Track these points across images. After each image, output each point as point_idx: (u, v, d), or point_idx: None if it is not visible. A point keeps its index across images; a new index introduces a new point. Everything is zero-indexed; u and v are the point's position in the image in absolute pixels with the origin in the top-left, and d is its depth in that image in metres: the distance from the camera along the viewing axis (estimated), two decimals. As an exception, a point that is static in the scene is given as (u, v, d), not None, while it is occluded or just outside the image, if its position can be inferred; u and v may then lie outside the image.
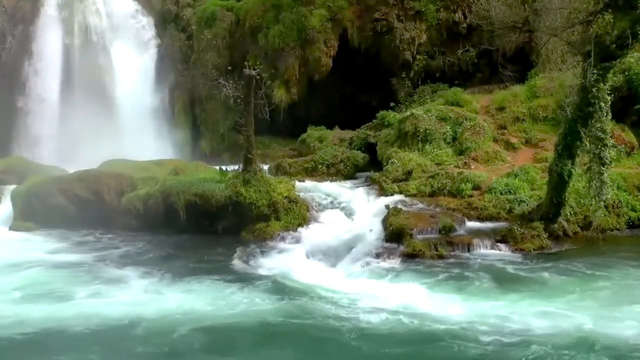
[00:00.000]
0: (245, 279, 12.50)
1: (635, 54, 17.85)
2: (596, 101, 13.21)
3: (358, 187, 18.98)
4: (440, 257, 13.63)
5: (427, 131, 20.12)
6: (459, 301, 10.87)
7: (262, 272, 13.12)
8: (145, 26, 30.75)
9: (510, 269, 12.81)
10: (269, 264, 13.65)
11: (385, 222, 15.19)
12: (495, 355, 8.67)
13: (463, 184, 17.25)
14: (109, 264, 13.91)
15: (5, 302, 11.28)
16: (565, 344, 8.85)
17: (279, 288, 11.86)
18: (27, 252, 15.27)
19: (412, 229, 14.54)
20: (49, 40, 29.28)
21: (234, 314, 10.51)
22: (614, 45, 13.07)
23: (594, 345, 8.78)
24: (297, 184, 18.47)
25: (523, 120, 20.81)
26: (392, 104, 24.40)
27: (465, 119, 20.48)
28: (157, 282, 12.44)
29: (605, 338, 8.97)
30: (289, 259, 13.81)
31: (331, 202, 17.66)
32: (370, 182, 18.98)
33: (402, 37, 25.63)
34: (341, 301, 10.96)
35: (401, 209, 15.68)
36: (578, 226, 15.24)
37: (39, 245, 16.06)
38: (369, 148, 22.03)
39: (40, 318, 10.35)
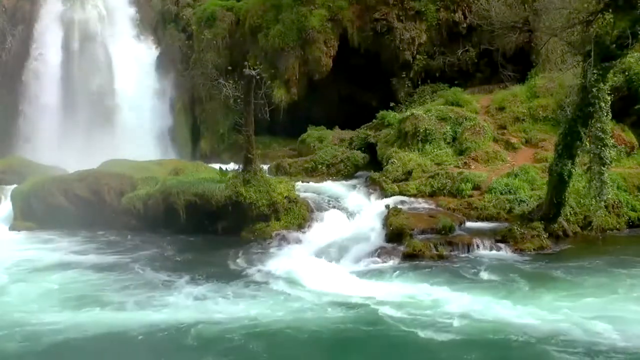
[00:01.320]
0: (275, 283, 12.24)
1: (635, 54, 17.86)
2: (596, 101, 13.21)
3: (358, 187, 18.97)
4: (441, 257, 13.63)
5: (427, 131, 20.13)
6: (506, 304, 10.48)
7: (276, 274, 12.90)
8: (145, 26, 30.80)
9: (527, 268, 12.64)
10: (278, 266, 13.46)
11: (385, 222, 15.19)
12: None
13: (463, 184, 17.26)
14: (141, 267, 13.52)
15: (53, 306, 10.96)
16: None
17: (310, 293, 11.52)
18: (49, 253, 15.08)
19: (412, 229, 14.56)
20: (49, 40, 29.29)
21: (292, 320, 10.17)
22: (614, 45, 13.06)
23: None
24: (297, 184, 18.46)
25: (523, 120, 20.83)
26: (392, 104, 24.42)
27: (465, 119, 20.49)
28: (203, 287, 12.00)
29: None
30: (294, 261, 13.73)
31: (331, 202, 17.64)
32: (370, 182, 18.97)
33: (402, 37, 25.61)
34: (380, 306, 10.60)
35: (401, 209, 15.69)
36: (578, 226, 15.28)
37: (61, 245, 15.86)
38: (369, 148, 22.01)
39: (92, 323, 10.03)
